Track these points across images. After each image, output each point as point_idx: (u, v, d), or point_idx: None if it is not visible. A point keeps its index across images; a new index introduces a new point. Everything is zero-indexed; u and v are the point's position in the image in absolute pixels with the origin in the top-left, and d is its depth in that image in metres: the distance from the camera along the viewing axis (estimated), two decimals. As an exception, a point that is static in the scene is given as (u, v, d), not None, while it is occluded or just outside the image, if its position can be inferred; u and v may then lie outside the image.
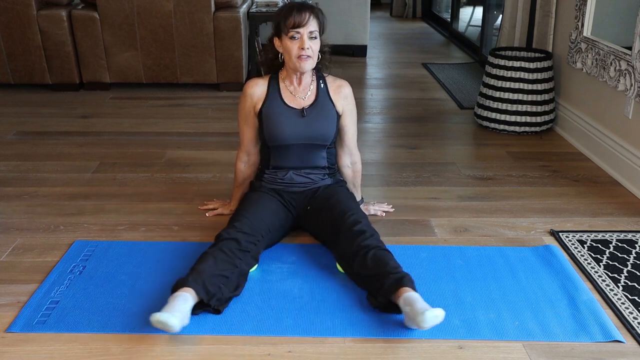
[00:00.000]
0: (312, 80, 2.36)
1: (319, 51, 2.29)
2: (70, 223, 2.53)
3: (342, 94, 2.38)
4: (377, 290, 1.94)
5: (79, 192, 2.84)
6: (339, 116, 2.38)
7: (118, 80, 4.51)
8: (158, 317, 1.76)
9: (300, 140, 2.32)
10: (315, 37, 2.23)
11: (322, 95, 2.35)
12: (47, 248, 2.33)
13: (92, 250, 2.30)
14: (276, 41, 2.28)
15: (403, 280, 1.90)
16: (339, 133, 2.43)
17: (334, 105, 2.36)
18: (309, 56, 2.22)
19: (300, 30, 2.19)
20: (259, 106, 2.34)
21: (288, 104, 2.33)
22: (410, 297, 1.84)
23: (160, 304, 1.97)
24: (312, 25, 2.21)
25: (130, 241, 2.38)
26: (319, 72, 2.39)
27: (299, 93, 2.34)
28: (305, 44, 2.20)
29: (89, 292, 2.04)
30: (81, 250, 2.30)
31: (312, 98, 2.35)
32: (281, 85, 2.35)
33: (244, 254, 2.06)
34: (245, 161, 2.46)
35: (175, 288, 1.89)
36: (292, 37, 2.21)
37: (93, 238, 2.41)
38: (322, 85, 2.37)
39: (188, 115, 4.02)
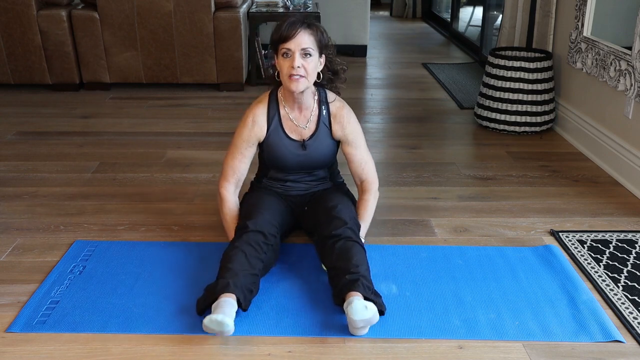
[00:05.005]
0: (314, 104, 2.22)
1: (329, 71, 2.19)
2: (70, 223, 2.53)
3: (342, 123, 2.24)
4: (334, 291, 1.95)
5: (79, 192, 2.84)
6: (337, 142, 2.29)
7: (118, 80, 4.51)
8: (213, 317, 1.73)
9: (300, 168, 2.30)
10: (310, 55, 2.04)
11: (322, 126, 2.23)
12: (47, 248, 2.33)
13: (92, 250, 2.30)
14: (275, 59, 2.12)
15: (355, 284, 1.88)
16: (347, 161, 2.33)
17: (332, 133, 2.24)
18: (301, 76, 2.04)
19: (291, 46, 2.01)
20: (260, 137, 2.22)
21: (289, 135, 2.21)
22: (351, 299, 1.83)
23: (160, 304, 1.97)
24: (305, 41, 2.02)
25: (130, 241, 2.38)
26: (322, 91, 2.24)
27: (300, 122, 2.22)
28: (296, 62, 2.02)
29: (89, 292, 2.04)
30: (81, 250, 2.30)
31: (313, 128, 2.22)
32: (282, 111, 2.21)
33: (269, 247, 2.05)
34: (233, 192, 2.26)
35: (213, 292, 1.87)
36: (284, 55, 2.04)
37: (93, 238, 2.41)
38: (324, 112, 2.22)
39: (188, 115, 4.02)
